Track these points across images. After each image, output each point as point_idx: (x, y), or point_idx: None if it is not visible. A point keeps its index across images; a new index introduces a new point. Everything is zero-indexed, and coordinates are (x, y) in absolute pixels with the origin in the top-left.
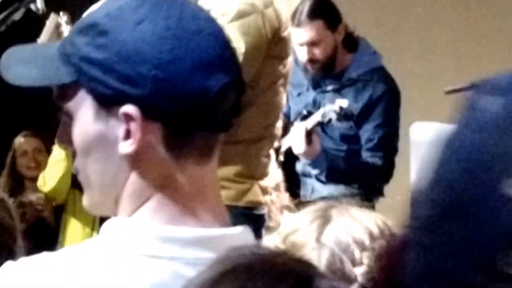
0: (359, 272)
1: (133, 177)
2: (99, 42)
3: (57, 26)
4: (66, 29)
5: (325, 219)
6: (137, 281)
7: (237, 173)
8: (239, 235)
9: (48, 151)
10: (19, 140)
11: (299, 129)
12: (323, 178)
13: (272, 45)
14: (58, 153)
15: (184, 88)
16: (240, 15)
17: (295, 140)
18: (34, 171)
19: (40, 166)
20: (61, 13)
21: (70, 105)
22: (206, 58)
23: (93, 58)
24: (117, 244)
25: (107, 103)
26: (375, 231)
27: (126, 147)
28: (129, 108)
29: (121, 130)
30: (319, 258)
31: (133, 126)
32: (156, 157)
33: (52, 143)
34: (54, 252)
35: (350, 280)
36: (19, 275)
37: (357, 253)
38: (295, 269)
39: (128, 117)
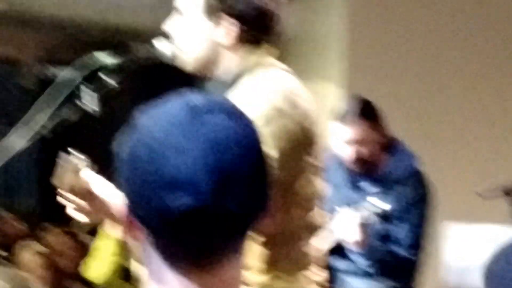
0: None
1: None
2: None
3: (70, 165)
4: (78, 163)
5: None
6: None
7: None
8: None
9: (77, 242)
10: (51, 239)
11: (351, 220)
12: (370, 270)
13: (300, 141)
14: (110, 247)
15: (149, 203)
16: (269, 121)
17: (348, 229)
18: (72, 267)
19: (76, 260)
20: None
21: None
22: (175, 179)
23: None
24: None
25: None
26: None
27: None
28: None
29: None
30: None
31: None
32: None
33: (81, 236)
34: None
35: None
36: None
37: None
38: None
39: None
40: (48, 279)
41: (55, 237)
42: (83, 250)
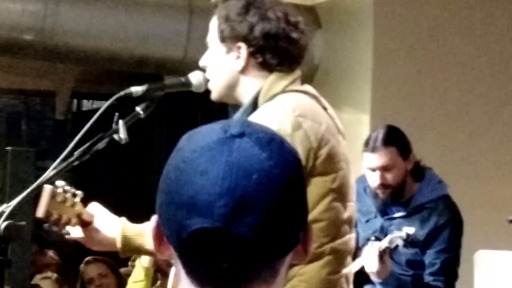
0: None
1: None
2: None
3: (53, 195)
4: (67, 194)
5: None
6: None
7: None
8: None
9: (114, 273)
10: (83, 267)
11: (372, 250)
12: None
13: (310, 165)
14: (137, 273)
15: (170, 221)
16: None
17: (368, 260)
18: None
19: None
20: (56, 182)
21: None
22: (193, 199)
23: None
24: None
25: None
26: None
27: None
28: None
29: None
30: None
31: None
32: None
33: (117, 266)
34: None
35: None
36: None
37: None
38: None
39: None
40: None
41: (88, 266)
42: (117, 279)
